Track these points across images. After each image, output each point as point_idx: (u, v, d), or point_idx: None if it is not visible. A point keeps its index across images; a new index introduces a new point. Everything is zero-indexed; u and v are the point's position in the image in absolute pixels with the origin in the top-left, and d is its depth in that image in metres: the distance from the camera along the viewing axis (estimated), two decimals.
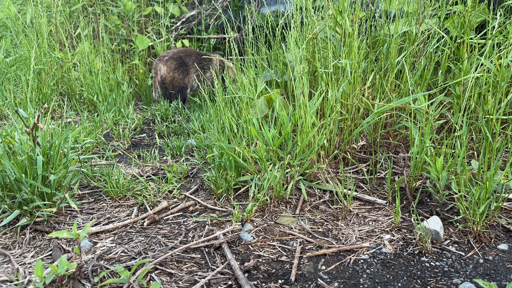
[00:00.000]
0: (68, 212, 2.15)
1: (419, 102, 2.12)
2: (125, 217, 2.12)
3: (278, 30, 2.76)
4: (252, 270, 1.70)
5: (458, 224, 1.97)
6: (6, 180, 1.97)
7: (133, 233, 1.97)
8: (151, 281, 1.64)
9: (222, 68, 3.80)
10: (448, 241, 1.89)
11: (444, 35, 2.31)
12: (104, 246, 1.88)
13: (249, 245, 1.87)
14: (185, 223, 2.06)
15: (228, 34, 2.95)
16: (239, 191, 2.29)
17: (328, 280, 1.66)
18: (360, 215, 2.10)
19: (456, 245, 1.87)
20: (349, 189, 2.20)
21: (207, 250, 1.83)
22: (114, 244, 1.89)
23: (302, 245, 1.88)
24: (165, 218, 2.11)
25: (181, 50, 3.92)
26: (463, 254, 1.81)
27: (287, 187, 2.21)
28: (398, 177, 2.33)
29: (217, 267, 1.71)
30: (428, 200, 2.18)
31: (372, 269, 1.72)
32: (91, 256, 1.79)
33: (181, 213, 2.16)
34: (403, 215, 2.08)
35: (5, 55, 4.00)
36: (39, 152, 1.99)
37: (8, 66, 3.87)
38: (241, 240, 1.90)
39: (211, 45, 4.55)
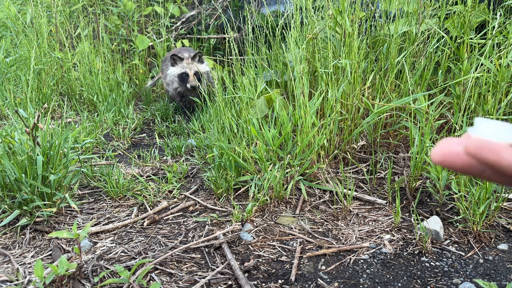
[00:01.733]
0: (68, 212, 2.15)
1: (419, 102, 2.12)
2: (125, 217, 2.12)
3: (278, 30, 2.76)
4: (252, 270, 1.70)
5: (458, 224, 1.97)
6: (6, 180, 1.97)
7: (133, 233, 1.97)
8: (151, 281, 1.64)
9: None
10: (448, 241, 1.89)
11: (444, 35, 2.31)
12: (104, 246, 1.88)
13: (249, 245, 1.87)
14: (185, 223, 2.06)
15: (228, 34, 2.95)
16: (239, 191, 2.29)
17: (328, 280, 1.66)
18: (360, 215, 2.10)
19: (456, 245, 1.87)
20: (349, 189, 2.20)
21: (207, 250, 1.83)
22: (114, 244, 1.89)
23: (302, 245, 1.88)
24: (165, 218, 2.11)
25: (177, 50, 3.86)
26: (463, 254, 1.81)
27: (287, 187, 2.21)
28: (398, 177, 2.33)
29: (217, 267, 1.71)
30: (428, 200, 2.18)
31: (372, 269, 1.72)
32: (91, 256, 1.79)
33: (181, 213, 2.16)
34: (403, 215, 2.08)
35: (5, 55, 4.00)
36: (39, 152, 1.99)
37: (8, 66, 3.87)
38: (241, 240, 1.91)
39: (211, 45, 4.55)
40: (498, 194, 1.90)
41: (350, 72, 2.30)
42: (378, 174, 2.42)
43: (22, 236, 1.93)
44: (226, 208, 2.17)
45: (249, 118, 2.34)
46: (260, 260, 1.78)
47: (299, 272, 1.70)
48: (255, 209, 2.09)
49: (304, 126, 2.19)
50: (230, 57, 3.99)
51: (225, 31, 4.52)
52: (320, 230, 2.00)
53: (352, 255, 1.81)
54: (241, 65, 2.83)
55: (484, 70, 2.16)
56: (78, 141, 2.77)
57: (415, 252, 1.82)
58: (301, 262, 1.76)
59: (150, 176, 2.55)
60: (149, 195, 2.29)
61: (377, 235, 1.95)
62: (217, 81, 2.75)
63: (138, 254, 1.81)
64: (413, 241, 1.89)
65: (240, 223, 2.01)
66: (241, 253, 1.81)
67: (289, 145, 2.22)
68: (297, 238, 1.93)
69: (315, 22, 2.54)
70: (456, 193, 1.97)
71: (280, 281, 1.64)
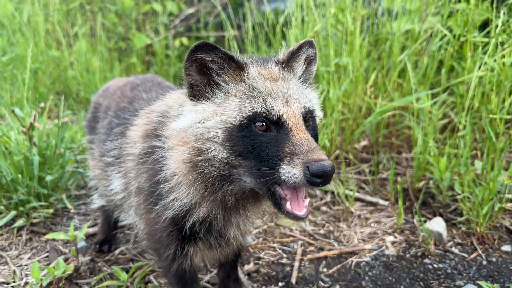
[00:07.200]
0: (65, 213, 2.11)
1: (422, 102, 2.09)
2: None
3: (279, 28, 2.73)
4: (252, 273, 1.68)
5: (461, 225, 1.95)
6: (3, 181, 1.94)
7: (131, 235, 1.94)
8: (149, 284, 1.61)
9: None
10: (451, 242, 1.87)
11: (447, 33, 2.28)
12: None
13: (249, 247, 1.84)
14: None
15: (227, 32, 2.92)
16: None
17: (329, 282, 1.63)
18: (362, 217, 2.08)
19: (459, 247, 1.85)
20: (351, 190, 2.17)
21: None
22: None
23: (303, 247, 1.85)
24: None
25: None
26: (466, 255, 1.78)
27: None
28: (401, 178, 2.30)
29: (216, 268, 1.68)
30: (431, 201, 2.15)
31: (374, 272, 1.70)
32: (88, 258, 1.76)
33: None
34: (405, 216, 2.06)
35: (1, 54, 3.96)
36: (36, 152, 1.96)
37: (5, 65, 3.83)
38: None
39: None
40: (502, 195, 1.88)
41: (351, 70, 2.26)
42: (380, 174, 2.39)
43: (19, 238, 1.90)
44: None
45: None
46: (260, 262, 1.75)
47: (300, 274, 1.67)
48: None
49: None
50: None
51: (224, 29, 4.48)
52: (321, 231, 1.97)
53: (354, 257, 1.78)
54: None
55: (488, 69, 2.13)
56: (75, 141, 2.73)
57: (418, 254, 1.80)
58: (302, 265, 1.74)
59: None
60: None
61: (379, 236, 1.92)
62: None
63: (135, 255, 1.78)
64: (416, 242, 1.87)
65: None
66: (241, 256, 1.78)
67: None
68: (298, 240, 1.90)
69: (316, 20, 2.51)
70: (459, 194, 1.95)
71: (280, 284, 1.62)
